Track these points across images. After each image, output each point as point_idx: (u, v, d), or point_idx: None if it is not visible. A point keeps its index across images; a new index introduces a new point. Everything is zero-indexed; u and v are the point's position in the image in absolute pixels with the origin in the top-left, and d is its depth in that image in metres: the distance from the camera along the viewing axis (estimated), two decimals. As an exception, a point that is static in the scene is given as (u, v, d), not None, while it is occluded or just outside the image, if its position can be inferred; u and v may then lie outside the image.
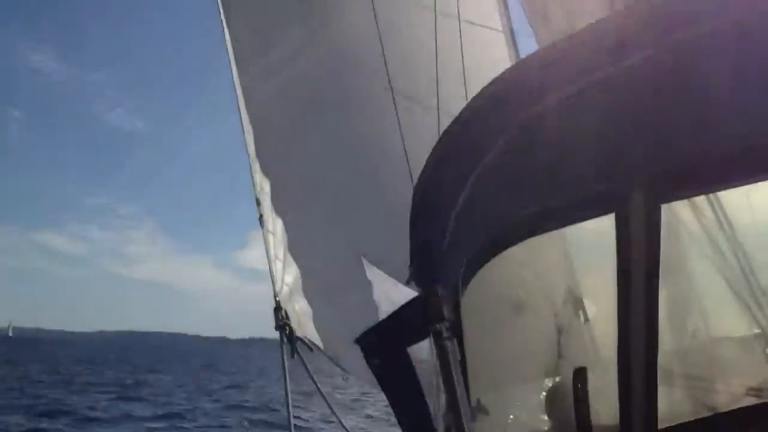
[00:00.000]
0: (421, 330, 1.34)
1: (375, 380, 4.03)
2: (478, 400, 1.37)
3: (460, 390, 1.27)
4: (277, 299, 3.00)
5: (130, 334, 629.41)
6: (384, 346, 1.33)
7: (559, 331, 2.84)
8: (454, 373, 1.27)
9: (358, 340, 1.36)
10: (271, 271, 3.11)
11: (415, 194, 1.46)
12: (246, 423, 24.89)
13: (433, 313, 1.28)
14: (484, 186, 1.79)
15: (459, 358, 1.28)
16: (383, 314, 3.29)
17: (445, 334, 1.29)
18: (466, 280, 1.55)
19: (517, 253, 2.39)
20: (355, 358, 3.56)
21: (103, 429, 23.02)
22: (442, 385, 1.32)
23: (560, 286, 2.90)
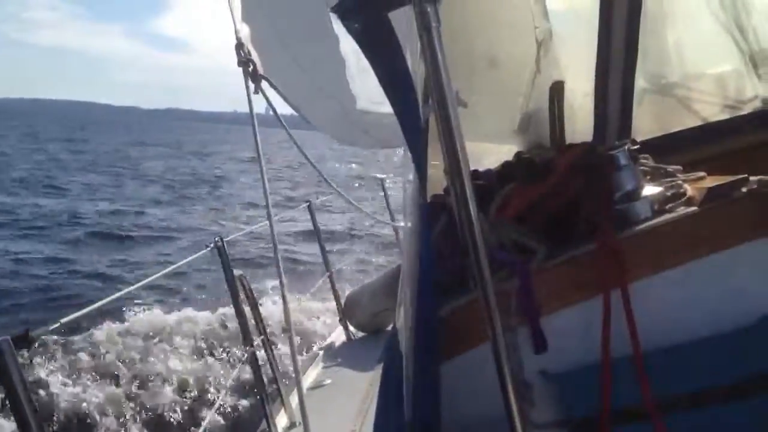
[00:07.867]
0: None
1: (336, 131, 3.95)
2: (457, 92, 1.26)
3: (441, 58, 1.15)
4: (238, 36, 2.75)
5: (33, 101, 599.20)
6: (363, 11, 1.18)
7: (539, 45, 2.73)
8: (435, 41, 1.13)
9: (335, 8, 1.20)
10: (230, 9, 2.81)
11: None
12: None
13: None
14: None
15: (439, 25, 1.15)
16: (349, 67, 3.09)
17: None
18: None
19: None
20: (318, 110, 3.42)
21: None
22: (423, 63, 1.20)
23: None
